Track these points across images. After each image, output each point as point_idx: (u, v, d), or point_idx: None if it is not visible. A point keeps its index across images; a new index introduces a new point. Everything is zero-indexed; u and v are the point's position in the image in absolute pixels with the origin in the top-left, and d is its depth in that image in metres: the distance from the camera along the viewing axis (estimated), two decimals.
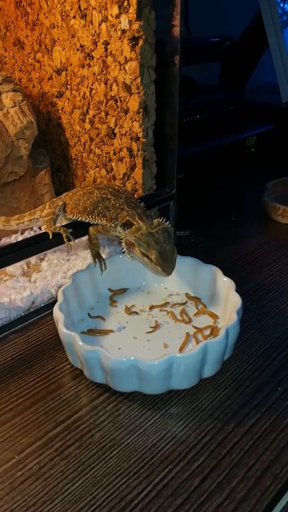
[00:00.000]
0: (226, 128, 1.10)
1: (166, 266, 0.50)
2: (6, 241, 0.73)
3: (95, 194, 0.57)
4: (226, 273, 0.53)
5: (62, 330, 0.45)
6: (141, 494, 0.35)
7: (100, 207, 0.56)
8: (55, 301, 0.50)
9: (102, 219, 0.56)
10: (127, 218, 0.54)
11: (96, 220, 0.57)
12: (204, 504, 0.34)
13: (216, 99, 1.12)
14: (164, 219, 0.53)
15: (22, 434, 0.41)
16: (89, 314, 0.54)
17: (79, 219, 0.59)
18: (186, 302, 0.56)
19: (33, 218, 0.64)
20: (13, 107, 0.71)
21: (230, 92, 1.19)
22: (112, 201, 0.56)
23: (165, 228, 0.52)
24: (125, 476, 0.36)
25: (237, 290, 0.50)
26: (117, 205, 0.55)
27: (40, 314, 0.57)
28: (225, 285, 0.52)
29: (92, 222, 0.57)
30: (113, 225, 0.55)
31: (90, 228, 0.57)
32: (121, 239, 0.55)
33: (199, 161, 1.01)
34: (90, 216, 0.57)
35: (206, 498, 0.35)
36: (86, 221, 0.58)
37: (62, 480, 0.36)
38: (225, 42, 1.21)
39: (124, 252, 0.55)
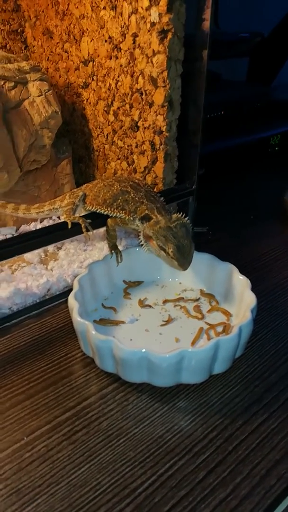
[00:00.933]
0: (250, 125, 1.09)
1: (183, 261, 0.50)
2: (25, 228, 0.74)
3: (115, 186, 0.58)
4: (242, 272, 0.53)
5: (76, 318, 0.46)
6: (145, 483, 0.36)
7: (119, 200, 0.56)
8: (70, 289, 0.50)
9: (121, 212, 0.56)
10: (146, 212, 0.54)
11: (115, 213, 0.57)
12: (207, 497, 0.34)
13: (241, 96, 1.10)
14: (183, 215, 0.53)
15: (32, 417, 0.42)
16: (103, 304, 0.55)
17: (98, 211, 0.59)
18: (200, 298, 0.56)
19: (53, 208, 0.64)
20: (39, 96, 0.71)
21: (256, 89, 1.17)
22: (132, 195, 0.56)
23: (184, 223, 0.52)
24: (130, 465, 0.37)
25: (252, 289, 0.50)
26: (136, 198, 0.55)
27: (55, 301, 0.58)
28: (241, 283, 0.52)
29: (110, 215, 0.58)
30: (131, 218, 0.55)
31: (109, 220, 0.58)
32: (139, 232, 0.55)
33: (221, 158, 1.00)
34: (109, 209, 0.57)
35: (209, 492, 0.35)
36: (105, 213, 0.58)
37: (69, 464, 0.37)
38: (254, 37, 1.19)
39: (141, 244, 0.55)
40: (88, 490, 0.35)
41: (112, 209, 0.57)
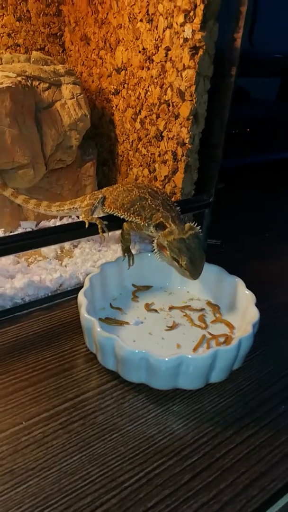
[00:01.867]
0: (275, 144, 1.10)
1: (194, 272, 0.52)
2: (45, 224, 0.76)
3: (134, 192, 0.60)
4: (249, 287, 0.54)
5: (84, 314, 0.48)
6: (132, 479, 0.37)
7: (136, 206, 0.58)
8: (81, 286, 0.52)
9: (137, 217, 0.58)
10: (161, 219, 0.56)
11: (131, 218, 0.59)
12: (190, 499, 0.36)
13: (268, 114, 1.12)
14: (195, 223, 0.54)
15: (32, 404, 0.44)
16: (110, 304, 0.57)
17: (115, 214, 0.61)
18: (205, 308, 0.57)
19: (73, 208, 0.67)
20: (71, 99, 0.74)
21: (284, 108, 1.18)
22: (149, 201, 0.58)
23: (196, 233, 0.54)
24: (120, 460, 0.39)
25: (257, 306, 0.51)
26: (153, 205, 0.57)
27: (65, 297, 0.60)
28: (246, 297, 0.53)
29: (127, 219, 0.60)
30: (146, 224, 0.57)
31: (124, 223, 0.60)
32: (153, 238, 0.57)
33: (243, 173, 1.01)
34: (126, 213, 0.59)
35: (193, 495, 0.36)
36: (122, 217, 0.60)
37: (62, 451, 0.39)
38: (287, 59, 1.20)
39: (154, 251, 0.57)
40: (77, 479, 0.37)
41: (128, 214, 0.59)
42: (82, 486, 0.36)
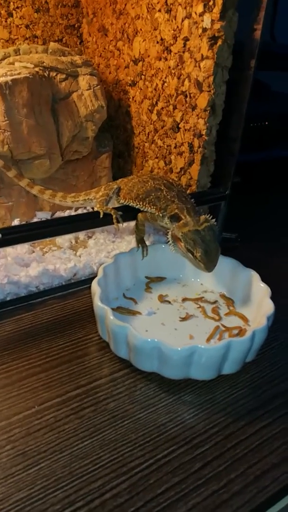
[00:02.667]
0: None
1: (209, 264, 0.51)
2: (60, 214, 0.77)
3: (149, 183, 0.59)
4: (264, 282, 0.53)
5: (97, 303, 0.48)
6: (143, 465, 0.37)
7: (152, 196, 0.58)
8: (95, 276, 0.53)
9: (152, 207, 0.58)
10: (176, 211, 0.55)
11: (146, 208, 0.59)
12: (200, 487, 0.36)
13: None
14: (211, 216, 0.54)
15: (45, 389, 0.44)
16: (124, 294, 0.57)
17: (130, 204, 0.61)
18: (219, 301, 0.57)
19: (87, 199, 0.67)
20: (87, 90, 0.74)
21: None
22: (164, 192, 0.58)
23: (211, 225, 0.53)
24: (131, 446, 0.39)
25: (272, 299, 0.50)
26: (168, 196, 0.57)
27: (79, 286, 0.61)
28: (261, 290, 0.53)
29: (142, 209, 0.60)
30: (161, 215, 0.57)
31: (139, 214, 0.59)
32: (167, 230, 0.57)
33: (262, 168, 1.00)
34: (141, 203, 0.59)
35: (203, 483, 0.36)
36: (137, 207, 0.60)
37: (74, 436, 0.39)
38: None
39: (169, 243, 0.56)
40: (88, 463, 0.37)
41: (144, 204, 0.59)
42: (92, 470, 0.37)
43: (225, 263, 0.57)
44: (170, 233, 0.56)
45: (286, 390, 0.46)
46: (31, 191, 0.69)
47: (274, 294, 0.51)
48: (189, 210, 0.55)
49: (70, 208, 0.77)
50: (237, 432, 0.41)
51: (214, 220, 0.54)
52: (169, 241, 0.56)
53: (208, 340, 0.50)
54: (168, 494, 0.35)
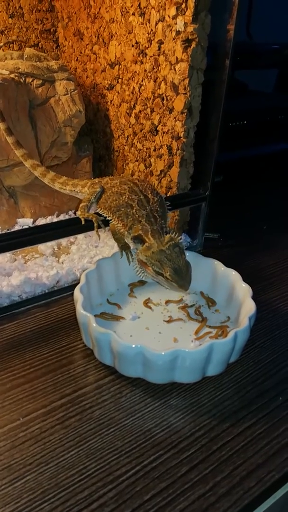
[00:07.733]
0: (273, 136, 1.10)
1: (182, 282, 0.50)
2: (41, 221, 0.76)
3: (124, 196, 0.57)
4: (247, 280, 0.54)
5: (80, 310, 0.48)
6: (129, 472, 0.37)
7: (121, 211, 0.56)
8: (78, 283, 0.52)
9: (120, 223, 0.56)
10: (140, 232, 0.53)
11: (115, 221, 0.57)
12: (187, 491, 0.36)
13: (266, 107, 1.11)
14: (176, 234, 0.53)
15: (30, 400, 0.44)
16: (108, 300, 0.57)
17: (102, 214, 0.59)
18: (201, 302, 0.57)
19: (74, 190, 0.66)
20: (64, 95, 0.74)
21: (281, 101, 1.17)
22: (134, 210, 0.55)
23: (176, 243, 0.51)
24: (117, 453, 0.39)
25: (255, 299, 0.51)
26: (136, 215, 0.55)
27: (62, 293, 0.61)
28: (242, 290, 0.53)
29: (111, 221, 0.58)
30: (126, 232, 0.56)
31: (110, 225, 0.58)
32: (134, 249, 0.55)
33: (240, 166, 1.01)
34: (111, 215, 0.58)
35: (189, 487, 0.36)
36: (107, 218, 0.59)
37: (60, 447, 0.39)
38: (285, 49, 1.19)
39: (136, 270, 0.55)
40: (74, 473, 0.37)
41: (113, 217, 0.57)
42: (79, 480, 0.36)
43: (206, 264, 0.58)
44: (136, 259, 0.54)
45: (269, 389, 0.46)
46: (25, 163, 0.67)
47: (259, 291, 0.51)
48: (153, 232, 0.52)
49: (51, 213, 0.77)
50: (222, 434, 0.41)
51: (179, 238, 0.52)
52: (136, 268, 0.55)
53: (197, 337, 0.50)
54: (155, 500, 0.35)
